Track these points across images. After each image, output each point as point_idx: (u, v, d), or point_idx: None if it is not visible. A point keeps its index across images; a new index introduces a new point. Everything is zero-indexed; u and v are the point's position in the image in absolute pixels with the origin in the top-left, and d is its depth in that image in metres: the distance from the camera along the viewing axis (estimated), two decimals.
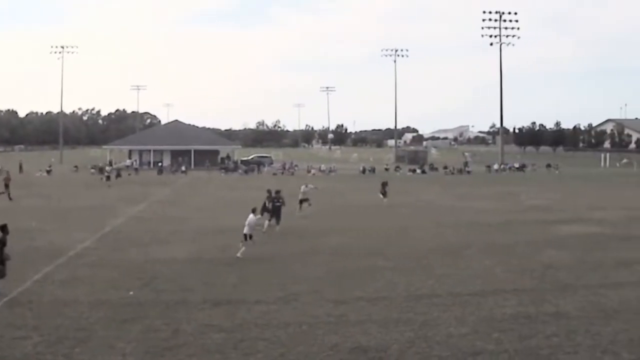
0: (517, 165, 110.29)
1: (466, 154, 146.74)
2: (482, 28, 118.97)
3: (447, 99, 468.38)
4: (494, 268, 22.95)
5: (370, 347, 13.99)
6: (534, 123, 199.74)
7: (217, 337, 14.68)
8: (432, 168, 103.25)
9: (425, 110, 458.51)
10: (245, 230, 25.07)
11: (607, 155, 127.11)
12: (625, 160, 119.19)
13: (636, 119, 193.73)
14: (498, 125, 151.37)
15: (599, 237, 30.50)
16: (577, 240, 29.35)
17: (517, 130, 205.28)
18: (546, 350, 13.90)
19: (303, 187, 40.28)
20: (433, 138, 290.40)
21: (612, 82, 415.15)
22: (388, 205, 43.74)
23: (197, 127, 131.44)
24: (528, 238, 29.99)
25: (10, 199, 45.90)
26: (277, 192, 33.48)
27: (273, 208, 32.38)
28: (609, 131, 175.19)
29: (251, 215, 25.76)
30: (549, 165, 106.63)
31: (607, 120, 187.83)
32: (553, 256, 25.28)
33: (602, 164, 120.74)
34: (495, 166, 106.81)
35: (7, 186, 47.46)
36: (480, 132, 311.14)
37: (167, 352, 13.82)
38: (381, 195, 44.91)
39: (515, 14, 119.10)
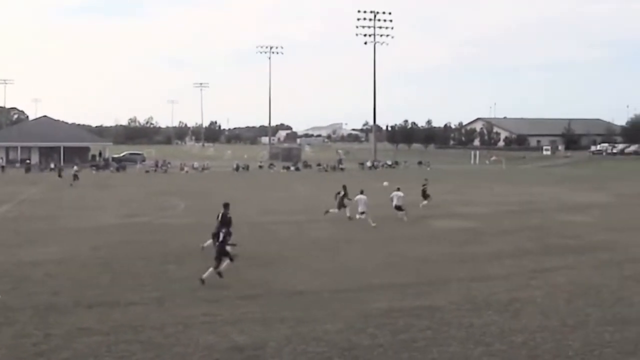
0: (389, 163, 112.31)
1: (340, 151, 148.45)
2: (357, 27, 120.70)
3: (321, 96, 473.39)
4: (368, 263, 23.24)
5: (246, 346, 13.89)
6: (406, 121, 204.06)
7: (90, 341, 14.24)
8: (306, 165, 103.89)
9: (300, 108, 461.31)
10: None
11: (477, 152, 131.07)
12: (494, 158, 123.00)
13: (505, 117, 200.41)
14: (371, 123, 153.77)
15: (470, 231, 31.37)
16: (449, 235, 30.09)
17: (389, 128, 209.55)
18: (420, 343, 14.12)
19: None
20: (307, 135, 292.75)
21: (481, 82, 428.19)
22: (265, 201, 43.85)
23: (67, 123, 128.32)
24: (401, 233, 30.56)
25: None
26: (344, 187, 36.97)
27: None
28: (478, 129, 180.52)
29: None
30: (420, 163, 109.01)
31: (477, 119, 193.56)
32: (426, 250, 25.83)
33: (472, 161, 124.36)
34: (369, 163, 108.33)
35: None
36: (353, 129, 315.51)
37: (38, 357, 13.30)
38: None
39: (390, 13, 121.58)
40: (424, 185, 43.53)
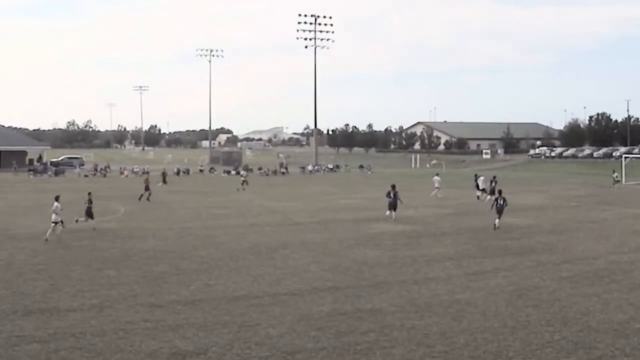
0: (330, 166, 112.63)
1: (281, 155, 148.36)
2: (298, 31, 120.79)
3: (262, 100, 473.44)
4: (309, 266, 23.22)
5: (189, 352, 13.75)
6: (347, 125, 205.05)
7: (29, 349, 13.94)
8: (247, 169, 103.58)
9: (240, 112, 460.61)
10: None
11: (418, 156, 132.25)
12: (434, 161, 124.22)
13: (445, 121, 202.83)
14: (312, 126, 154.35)
15: (410, 234, 31.57)
16: (390, 238, 30.22)
17: (331, 132, 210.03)
18: (363, 345, 14.15)
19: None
20: (248, 139, 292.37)
21: (422, 86, 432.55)
22: (206, 206, 43.57)
23: (3, 126, 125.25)
24: (342, 236, 30.58)
25: None
26: (393, 186, 38.75)
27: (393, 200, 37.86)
28: (419, 133, 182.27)
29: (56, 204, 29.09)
30: (361, 166, 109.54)
31: (417, 123, 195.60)
32: (367, 254, 25.91)
33: (413, 164, 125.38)
34: (310, 167, 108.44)
35: None
36: (294, 133, 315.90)
37: None
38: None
39: (330, 17, 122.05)
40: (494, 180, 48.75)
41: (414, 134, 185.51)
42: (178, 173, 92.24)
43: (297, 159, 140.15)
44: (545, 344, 14.30)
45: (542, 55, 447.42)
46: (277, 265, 23.45)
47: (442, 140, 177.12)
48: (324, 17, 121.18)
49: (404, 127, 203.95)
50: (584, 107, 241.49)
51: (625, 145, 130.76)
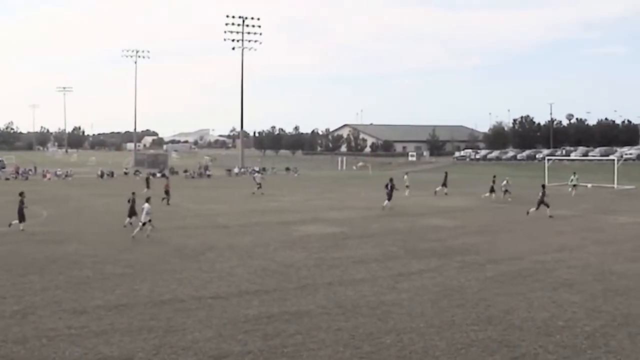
0: (257, 169, 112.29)
1: (206, 157, 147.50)
2: (225, 32, 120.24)
3: (188, 102, 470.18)
4: (236, 270, 23.07)
5: (114, 358, 13.51)
6: (273, 127, 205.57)
7: None
8: (173, 172, 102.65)
9: (166, 114, 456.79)
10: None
11: (344, 158, 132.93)
12: (361, 164, 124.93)
13: (371, 124, 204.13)
14: (238, 129, 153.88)
15: (337, 236, 31.63)
16: (316, 240, 30.25)
17: (257, 134, 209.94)
18: (290, 348, 14.11)
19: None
20: (173, 141, 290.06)
21: (349, 88, 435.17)
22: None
23: None
24: (269, 239, 30.49)
25: None
26: (391, 179, 45.36)
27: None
28: (345, 136, 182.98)
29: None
30: (288, 169, 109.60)
31: (344, 125, 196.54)
32: (294, 256, 25.87)
33: (340, 167, 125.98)
34: (236, 170, 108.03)
35: None
36: (220, 135, 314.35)
37: None
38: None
39: (258, 19, 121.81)
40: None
41: (341, 137, 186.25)
42: (102, 176, 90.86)
43: (223, 161, 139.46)
44: (471, 343, 14.47)
45: (468, 59, 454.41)
46: (203, 269, 23.25)
47: (369, 143, 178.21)
48: (252, 18, 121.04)
49: (331, 130, 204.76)
50: (508, 110, 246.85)
51: (548, 148, 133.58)
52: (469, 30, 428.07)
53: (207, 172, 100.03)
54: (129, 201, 34.66)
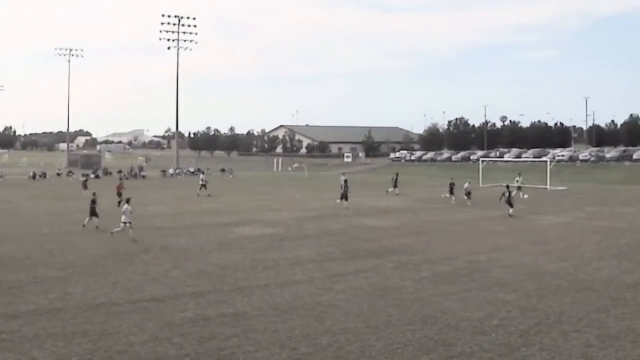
0: (192, 170, 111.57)
1: (141, 158, 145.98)
2: (161, 32, 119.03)
3: (123, 102, 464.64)
4: (171, 272, 22.88)
5: None
6: (209, 128, 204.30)
7: None
8: (107, 173, 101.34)
9: (100, 114, 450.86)
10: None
11: (280, 160, 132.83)
12: (296, 165, 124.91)
13: (307, 125, 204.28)
14: (174, 129, 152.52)
15: (273, 238, 31.57)
16: (252, 242, 30.15)
17: (192, 135, 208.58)
18: (227, 351, 14.04)
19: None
20: (107, 142, 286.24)
21: (284, 89, 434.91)
22: (64, 211, 42.38)
23: None
24: (204, 241, 30.31)
25: None
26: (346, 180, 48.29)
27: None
28: (281, 137, 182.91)
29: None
30: (223, 170, 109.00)
31: (280, 127, 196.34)
32: (230, 258, 25.75)
33: (275, 168, 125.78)
34: (171, 171, 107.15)
35: None
36: (155, 136, 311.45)
37: None
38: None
39: (194, 19, 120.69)
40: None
41: (277, 138, 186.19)
42: (34, 177, 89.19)
43: (158, 162, 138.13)
44: (407, 343, 14.57)
45: (404, 60, 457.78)
46: (138, 272, 22.99)
47: (305, 144, 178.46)
48: (188, 18, 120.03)
49: (267, 131, 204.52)
50: (444, 113, 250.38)
51: (483, 150, 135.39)
52: (405, 32, 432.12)
53: (142, 173, 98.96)
54: (92, 202, 34.96)
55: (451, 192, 51.32)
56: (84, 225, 34.15)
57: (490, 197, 49.63)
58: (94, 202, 35.04)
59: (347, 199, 46.99)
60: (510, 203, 41.33)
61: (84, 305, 18.07)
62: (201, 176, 66.88)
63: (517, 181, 55.91)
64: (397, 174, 61.11)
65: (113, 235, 30.79)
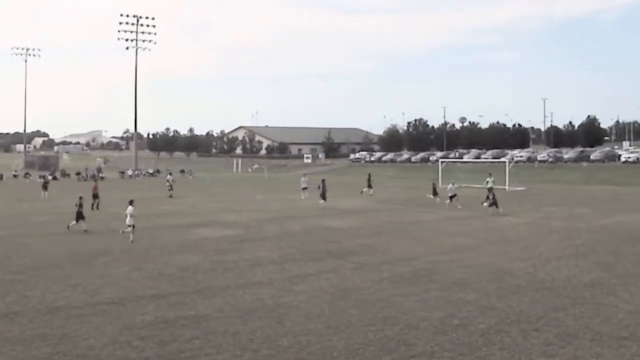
0: (151, 171, 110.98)
1: (99, 159, 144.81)
2: (119, 31, 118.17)
3: (80, 102, 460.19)
4: (131, 274, 22.69)
5: None
6: (168, 129, 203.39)
7: None
8: (64, 174, 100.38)
9: (57, 114, 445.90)
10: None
11: (240, 160, 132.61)
12: (256, 166, 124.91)
13: (266, 126, 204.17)
14: (132, 130, 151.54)
15: (233, 239, 31.48)
16: (212, 243, 30.04)
17: (151, 136, 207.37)
18: (188, 353, 13.95)
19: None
20: (65, 143, 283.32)
21: (244, 90, 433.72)
22: (22, 213, 41.89)
23: None
24: (164, 243, 30.14)
25: None
26: (323, 180, 49.50)
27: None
28: (240, 138, 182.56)
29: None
30: (183, 171, 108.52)
31: (239, 127, 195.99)
32: (190, 259, 25.62)
33: (235, 169, 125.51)
34: (130, 172, 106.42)
35: None
36: (113, 137, 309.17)
37: None
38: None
39: (153, 19, 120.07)
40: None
41: (236, 139, 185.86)
42: None
43: (116, 163, 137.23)
44: (368, 343, 14.60)
45: (365, 62, 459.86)
46: (97, 274, 22.77)
47: (264, 145, 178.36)
48: (147, 18, 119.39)
49: (226, 132, 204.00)
50: (403, 114, 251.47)
51: (442, 150, 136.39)
52: (364, 34, 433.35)
53: (101, 174, 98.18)
54: (76, 205, 34.56)
55: (434, 193, 51.31)
56: (68, 227, 33.72)
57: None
58: (80, 205, 34.52)
59: (325, 199, 47.99)
60: (494, 202, 42.15)
61: (42, 309, 17.86)
62: (168, 177, 66.42)
63: (488, 182, 56.39)
64: (370, 174, 61.35)
65: (123, 235, 31.17)
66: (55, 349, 14.20)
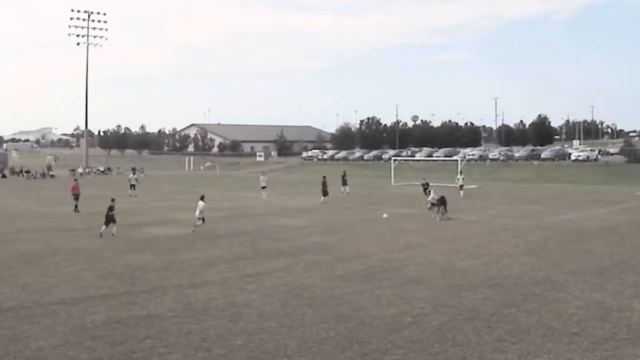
0: (102, 169, 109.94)
1: (49, 157, 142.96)
2: (70, 27, 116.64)
3: (29, 99, 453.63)
4: (81, 274, 22.44)
5: None
6: (119, 126, 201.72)
7: None
8: (14, 172, 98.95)
9: (5, 111, 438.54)
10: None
11: (192, 158, 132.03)
12: (208, 164, 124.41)
13: (218, 124, 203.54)
14: (83, 127, 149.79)
15: (185, 238, 31.31)
16: (164, 242, 29.86)
17: (102, 133, 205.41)
18: (140, 353, 13.84)
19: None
20: (14, 140, 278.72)
21: (196, 88, 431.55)
22: None
23: None
24: (115, 242, 29.86)
25: None
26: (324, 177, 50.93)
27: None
28: (192, 135, 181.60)
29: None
30: (134, 169, 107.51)
31: (191, 125, 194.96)
32: (141, 259, 25.42)
33: (187, 167, 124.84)
34: (80, 170, 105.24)
35: None
36: (64, 134, 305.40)
37: None
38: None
39: (105, 14, 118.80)
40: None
41: (188, 136, 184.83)
42: None
43: (67, 161, 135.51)
44: (322, 341, 14.63)
45: (316, 60, 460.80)
46: (48, 274, 22.48)
47: (216, 143, 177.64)
48: (98, 13, 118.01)
49: (178, 129, 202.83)
50: (355, 112, 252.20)
51: (394, 148, 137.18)
52: (319, 33, 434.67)
53: (51, 172, 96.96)
54: (109, 208, 32.48)
55: (425, 192, 50.83)
56: (100, 234, 31.55)
57: (402, 195, 50.17)
58: (111, 208, 32.45)
59: (326, 195, 50.70)
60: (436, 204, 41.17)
61: None
62: (130, 175, 64.21)
63: (458, 179, 56.76)
64: (345, 172, 61.36)
65: (194, 232, 32.79)
66: (6, 350, 13.99)
